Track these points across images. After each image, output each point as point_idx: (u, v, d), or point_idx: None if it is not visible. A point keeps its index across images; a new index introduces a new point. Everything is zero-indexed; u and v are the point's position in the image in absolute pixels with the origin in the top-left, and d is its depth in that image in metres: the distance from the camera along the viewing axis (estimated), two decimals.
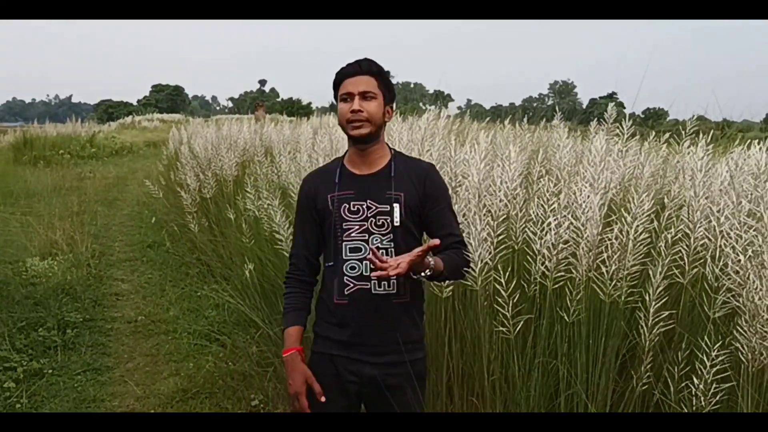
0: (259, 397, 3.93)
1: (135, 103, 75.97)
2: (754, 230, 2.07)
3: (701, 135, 2.89)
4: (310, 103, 52.98)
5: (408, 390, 2.20)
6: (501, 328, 2.46)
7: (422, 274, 2.02)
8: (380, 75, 2.20)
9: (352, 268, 2.17)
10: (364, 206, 2.15)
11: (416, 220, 2.19)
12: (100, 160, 20.08)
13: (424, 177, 2.21)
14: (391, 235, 2.15)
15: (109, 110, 67.59)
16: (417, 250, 1.94)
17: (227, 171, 7.08)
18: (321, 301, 2.30)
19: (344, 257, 2.18)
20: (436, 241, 1.95)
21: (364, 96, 2.14)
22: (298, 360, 2.20)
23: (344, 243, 2.18)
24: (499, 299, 2.44)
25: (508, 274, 2.46)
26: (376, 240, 2.16)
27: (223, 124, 9.95)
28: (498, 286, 2.45)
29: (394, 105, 2.31)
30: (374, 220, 2.16)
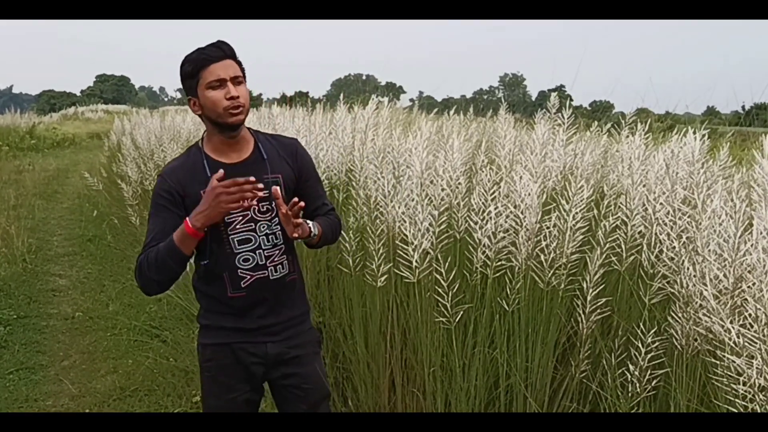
0: (200, 394, 3.83)
1: (78, 94, 73.86)
2: (688, 216, 2.08)
3: (639, 125, 2.91)
4: (260, 95, 52.41)
5: (309, 357, 2.26)
6: (441, 319, 2.43)
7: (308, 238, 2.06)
8: (236, 56, 2.09)
9: (246, 260, 2.11)
10: (277, 188, 1.99)
11: (292, 196, 2.11)
12: (41, 152, 19.46)
13: (294, 153, 2.21)
14: (277, 218, 2.11)
15: (52, 101, 65.55)
16: (285, 211, 1.95)
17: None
18: (206, 297, 2.21)
19: (235, 251, 2.10)
20: (301, 204, 1.95)
21: (235, 80, 2.03)
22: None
23: (231, 236, 2.09)
24: (440, 289, 2.41)
25: (449, 263, 2.43)
26: (264, 226, 2.11)
27: (167, 115, 9.73)
28: (438, 276, 2.42)
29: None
30: (257, 207, 2.09)
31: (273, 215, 2.13)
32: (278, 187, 1.97)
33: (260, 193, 1.95)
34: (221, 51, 2.03)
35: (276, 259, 2.15)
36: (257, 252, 2.11)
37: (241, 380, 2.21)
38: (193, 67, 2.03)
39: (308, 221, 2.06)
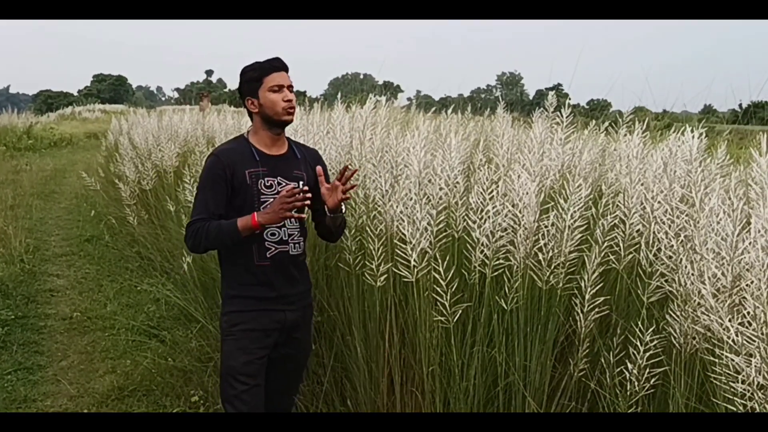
0: (198, 393, 3.83)
1: (76, 94, 73.69)
2: (686, 215, 2.08)
3: (638, 123, 2.91)
4: None
5: (309, 325, 2.74)
6: (439, 318, 2.43)
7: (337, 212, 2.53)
8: (288, 71, 2.58)
9: (272, 234, 2.52)
10: (276, 182, 2.52)
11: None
12: (38, 152, 19.44)
13: (317, 160, 2.72)
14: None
15: (49, 101, 65.37)
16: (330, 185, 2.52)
17: (167, 162, 6.89)
18: (234, 266, 2.57)
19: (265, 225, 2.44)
20: (354, 169, 2.57)
21: (290, 89, 2.55)
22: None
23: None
24: (438, 288, 2.41)
25: (447, 262, 2.43)
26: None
27: (164, 115, 9.71)
28: (437, 275, 2.42)
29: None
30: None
31: None
32: (320, 167, 2.56)
33: (307, 195, 2.35)
34: (282, 63, 2.56)
35: (295, 238, 2.57)
36: (282, 229, 2.52)
37: (260, 345, 2.54)
38: (259, 73, 2.53)
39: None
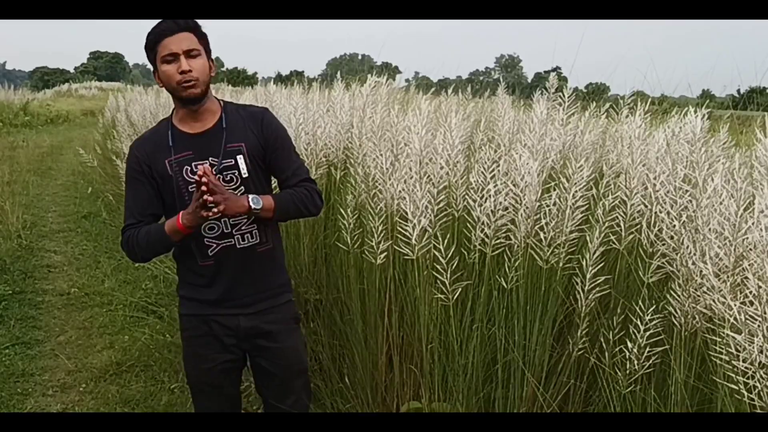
0: None
1: (72, 71, 73.19)
2: (688, 195, 2.08)
3: (639, 104, 2.90)
4: (255, 73, 51.96)
5: (284, 333, 2.28)
6: (439, 295, 2.44)
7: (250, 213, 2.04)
8: (197, 29, 2.10)
9: (211, 228, 2.14)
10: (206, 165, 2.04)
11: (263, 167, 2.18)
12: (35, 129, 19.36)
13: (260, 122, 2.19)
14: (242, 188, 2.14)
15: (45, 77, 64.97)
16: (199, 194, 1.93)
17: None
18: (182, 265, 2.28)
19: None
20: (200, 171, 1.90)
21: (189, 54, 2.05)
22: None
23: None
24: (438, 266, 2.41)
25: (447, 240, 2.43)
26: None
27: (163, 92, 9.65)
28: (437, 253, 2.41)
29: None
30: (221, 177, 2.10)
31: (237, 184, 2.14)
32: (207, 165, 1.98)
33: (209, 174, 1.93)
34: (176, 25, 2.04)
35: (243, 228, 2.16)
36: (222, 220, 2.12)
37: (217, 350, 2.25)
38: (150, 41, 2.07)
39: (250, 195, 2.06)
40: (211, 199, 1.90)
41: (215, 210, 1.92)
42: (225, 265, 2.18)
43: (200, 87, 2.07)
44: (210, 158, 2.11)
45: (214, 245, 2.16)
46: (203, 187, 1.90)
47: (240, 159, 2.11)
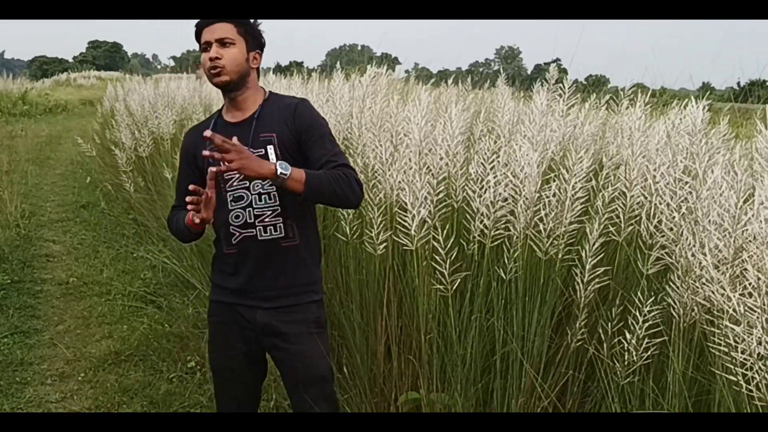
0: (195, 359, 3.85)
1: (71, 60, 72.96)
2: (688, 187, 2.07)
3: (640, 95, 2.90)
4: None
5: (300, 336, 2.21)
6: (438, 286, 2.44)
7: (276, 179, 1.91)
8: (238, 21, 2.13)
9: (237, 217, 2.16)
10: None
11: (297, 158, 2.11)
12: (33, 118, 19.30)
13: (293, 112, 2.16)
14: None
15: (44, 67, 64.74)
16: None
17: (164, 129, 6.84)
18: (216, 253, 2.32)
19: (229, 207, 2.17)
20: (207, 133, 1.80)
21: (222, 43, 2.09)
22: None
23: (228, 193, 2.17)
24: (438, 257, 2.41)
25: (446, 231, 2.43)
26: (258, 185, 2.13)
27: (161, 82, 9.62)
28: (436, 244, 2.41)
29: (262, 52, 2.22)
30: None
31: None
32: (212, 168, 1.94)
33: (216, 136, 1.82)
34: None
35: (267, 220, 2.15)
36: (247, 210, 2.15)
37: (238, 339, 2.27)
38: (195, 32, 2.15)
39: (279, 161, 1.95)
40: (218, 155, 1.81)
41: (227, 167, 1.83)
42: (246, 255, 2.18)
43: (227, 76, 2.09)
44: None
45: (238, 234, 2.17)
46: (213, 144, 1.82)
47: (270, 149, 2.10)
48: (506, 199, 2.50)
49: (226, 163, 1.82)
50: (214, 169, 1.92)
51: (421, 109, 2.90)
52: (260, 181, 2.09)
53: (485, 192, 2.48)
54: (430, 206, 2.53)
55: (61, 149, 13.19)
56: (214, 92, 7.93)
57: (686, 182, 2.09)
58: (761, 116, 2.29)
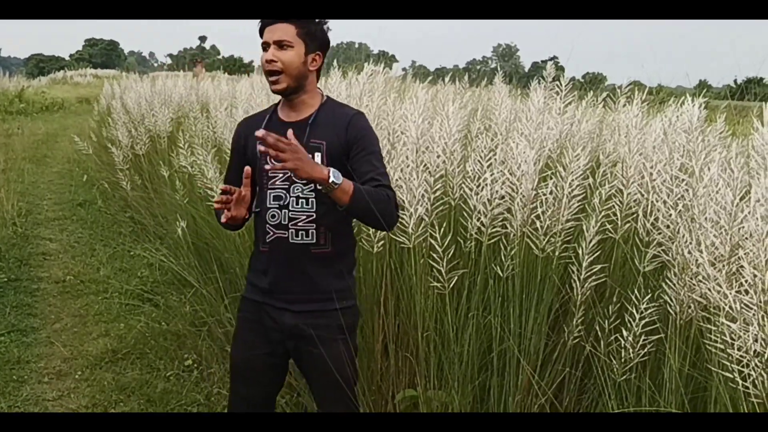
0: (192, 357, 3.85)
1: (67, 58, 72.81)
2: (685, 184, 2.08)
3: (637, 93, 2.91)
4: (251, 62, 51.71)
5: (324, 340, 2.16)
6: (435, 284, 2.44)
7: (326, 186, 1.87)
8: (299, 22, 2.07)
9: (273, 216, 2.13)
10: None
11: (342, 170, 2.01)
12: (30, 116, 19.22)
13: (347, 124, 2.10)
14: (313, 184, 2.05)
15: (40, 65, 64.68)
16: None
17: (161, 127, 6.83)
18: (254, 249, 2.30)
19: (268, 205, 2.14)
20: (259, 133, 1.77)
21: (280, 45, 2.05)
22: None
23: (269, 191, 2.14)
24: (435, 255, 2.41)
25: (443, 229, 2.43)
26: (297, 189, 2.10)
27: (158, 79, 9.60)
28: (433, 242, 2.42)
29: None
30: None
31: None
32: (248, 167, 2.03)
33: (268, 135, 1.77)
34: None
35: (300, 224, 2.11)
36: (283, 211, 2.12)
37: (263, 340, 2.25)
38: (259, 30, 2.11)
39: (332, 168, 1.90)
40: (273, 152, 1.77)
41: (282, 165, 1.80)
42: (277, 255, 2.16)
43: (285, 81, 2.06)
44: None
45: (272, 233, 2.15)
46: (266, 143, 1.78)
47: (318, 156, 2.06)
48: (503, 197, 2.50)
49: (277, 161, 1.80)
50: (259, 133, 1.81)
51: (418, 106, 2.90)
52: (300, 184, 2.08)
53: (482, 189, 2.48)
54: (427, 204, 2.53)
55: (57, 147, 13.15)
56: (211, 90, 7.93)
57: (683, 180, 2.09)
58: (758, 114, 2.29)
